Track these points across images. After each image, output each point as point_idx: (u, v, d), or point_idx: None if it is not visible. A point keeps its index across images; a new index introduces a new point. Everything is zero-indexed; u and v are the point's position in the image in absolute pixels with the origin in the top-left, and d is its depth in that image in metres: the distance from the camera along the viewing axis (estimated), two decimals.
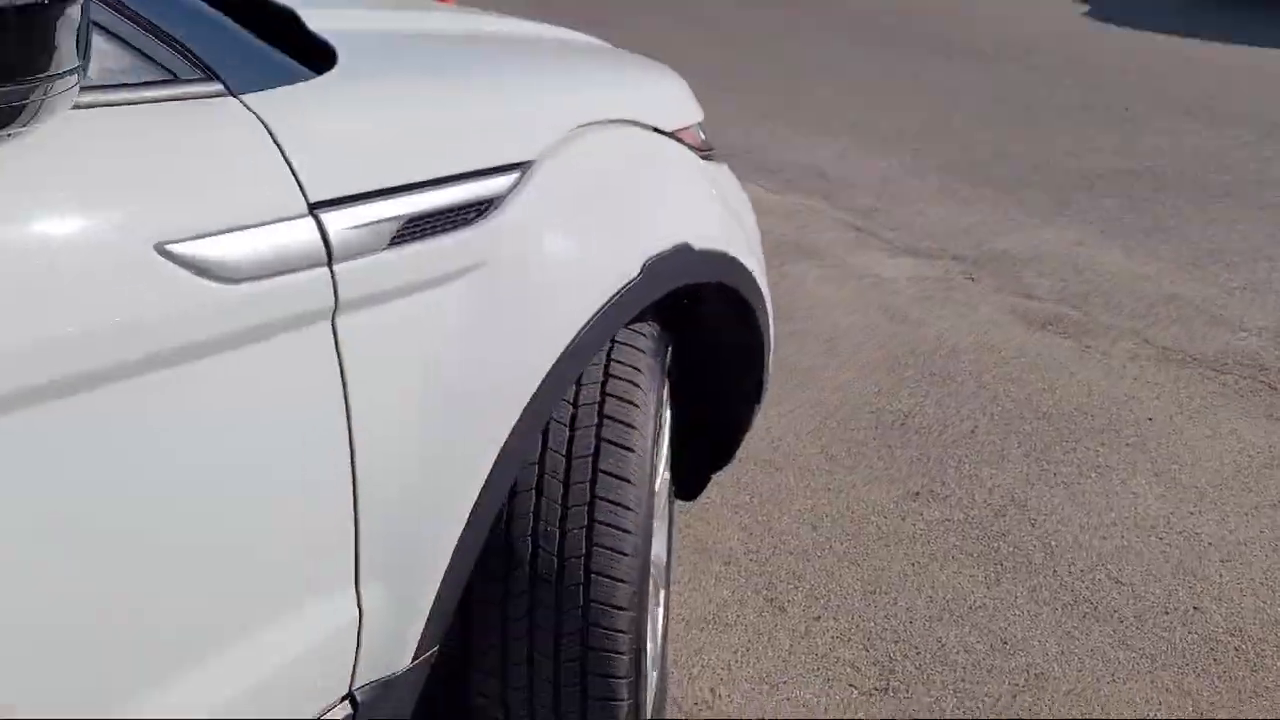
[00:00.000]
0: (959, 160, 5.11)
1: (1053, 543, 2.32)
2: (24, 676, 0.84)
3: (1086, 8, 9.04)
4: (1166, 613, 2.11)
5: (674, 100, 1.67)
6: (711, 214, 1.58)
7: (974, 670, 1.95)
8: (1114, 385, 3.01)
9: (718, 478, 2.06)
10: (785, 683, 1.91)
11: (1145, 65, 7.04)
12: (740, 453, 2.04)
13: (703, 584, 2.16)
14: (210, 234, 0.91)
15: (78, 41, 0.71)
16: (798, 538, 2.32)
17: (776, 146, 5.24)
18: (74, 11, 0.69)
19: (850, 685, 1.91)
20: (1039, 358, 3.17)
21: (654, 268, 1.39)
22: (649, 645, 1.47)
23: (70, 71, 0.71)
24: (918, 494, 2.49)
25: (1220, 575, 2.22)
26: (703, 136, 1.74)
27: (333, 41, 1.21)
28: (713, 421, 1.91)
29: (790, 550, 2.28)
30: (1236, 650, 2.01)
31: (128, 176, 0.88)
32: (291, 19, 1.26)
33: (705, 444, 1.94)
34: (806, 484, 2.52)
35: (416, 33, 1.47)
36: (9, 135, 0.71)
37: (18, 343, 0.80)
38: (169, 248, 0.88)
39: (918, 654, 1.99)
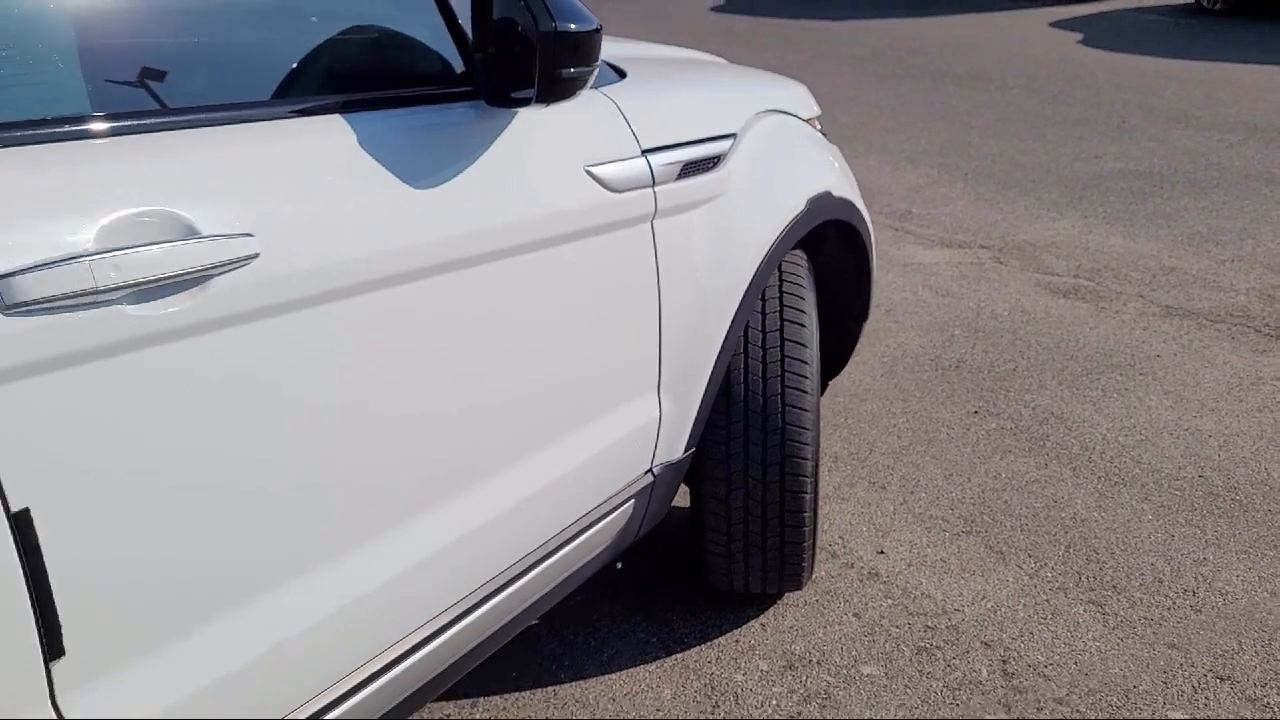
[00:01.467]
0: (979, 169, 5.81)
1: (1086, 440, 2.96)
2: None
3: (1080, 36, 9.81)
4: (1178, 479, 2.75)
5: (803, 99, 2.36)
6: (838, 173, 2.26)
7: (1034, 518, 2.59)
8: (1126, 334, 3.67)
9: (832, 384, 2.72)
10: (894, 530, 2.56)
11: (1137, 83, 7.77)
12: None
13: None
14: (606, 162, 1.59)
15: None
16: (886, 444, 2.97)
17: None
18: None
19: (943, 530, 2.56)
20: (1063, 317, 3.83)
21: (813, 204, 2.07)
22: None
23: (596, 66, 1.38)
24: (976, 412, 3.14)
25: (1219, 455, 2.87)
26: (819, 127, 2.43)
27: (613, 61, 1.90)
28: (830, 336, 2.58)
29: (882, 452, 2.93)
30: (1233, 499, 2.65)
31: (573, 127, 1.56)
32: None
33: (824, 353, 2.60)
34: (887, 409, 3.18)
35: (648, 57, 2.17)
36: (575, 97, 1.39)
37: (513, 219, 1.46)
38: (590, 169, 1.56)
39: (991, 510, 2.63)
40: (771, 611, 2.27)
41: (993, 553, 2.46)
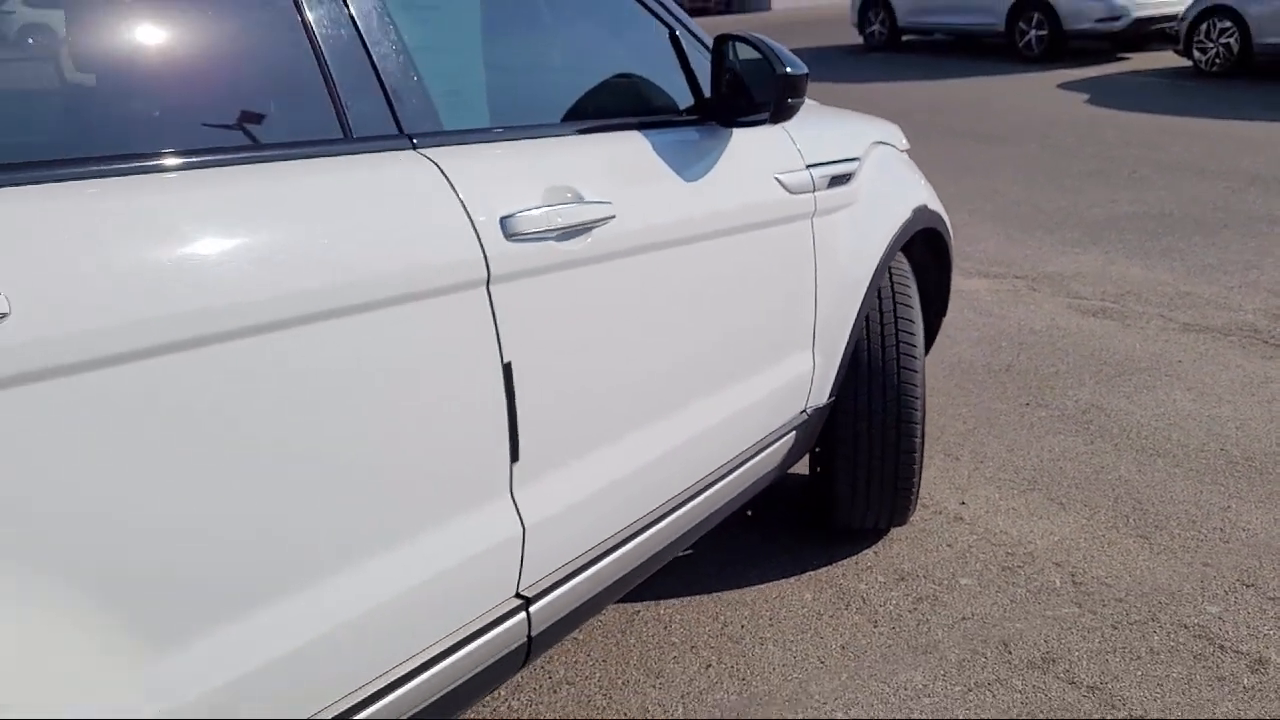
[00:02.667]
0: (1006, 213, 6.42)
1: (1125, 424, 3.51)
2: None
3: (1087, 96, 10.51)
4: (1203, 452, 3.30)
5: (898, 135, 2.95)
6: (929, 191, 2.85)
7: (1086, 479, 3.13)
8: (1150, 345, 4.24)
9: None
10: (970, 488, 3.10)
11: (1144, 138, 8.43)
12: None
13: None
14: (785, 172, 2.17)
15: None
16: (954, 427, 3.52)
17: None
18: None
19: (1011, 488, 3.10)
20: (1094, 332, 4.40)
21: (916, 213, 2.65)
22: None
23: (804, 99, 1.97)
24: (1028, 404, 3.70)
25: (1236, 434, 3.41)
26: (908, 157, 3.02)
27: None
28: None
29: (952, 433, 3.48)
30: (1249, 466, 3.20)
31: (764, 146, 2.14)
32: None
33: None
34: (952, 401, 3.73)
35: None
36: (786, 121, 1.97)
37: (735, 205, 2.03)
38: (777, 176, 2.14)
39: (1049, 475, 3.17)
40: (880, 543, 2.81)
41: (1054, 503, 3.00)
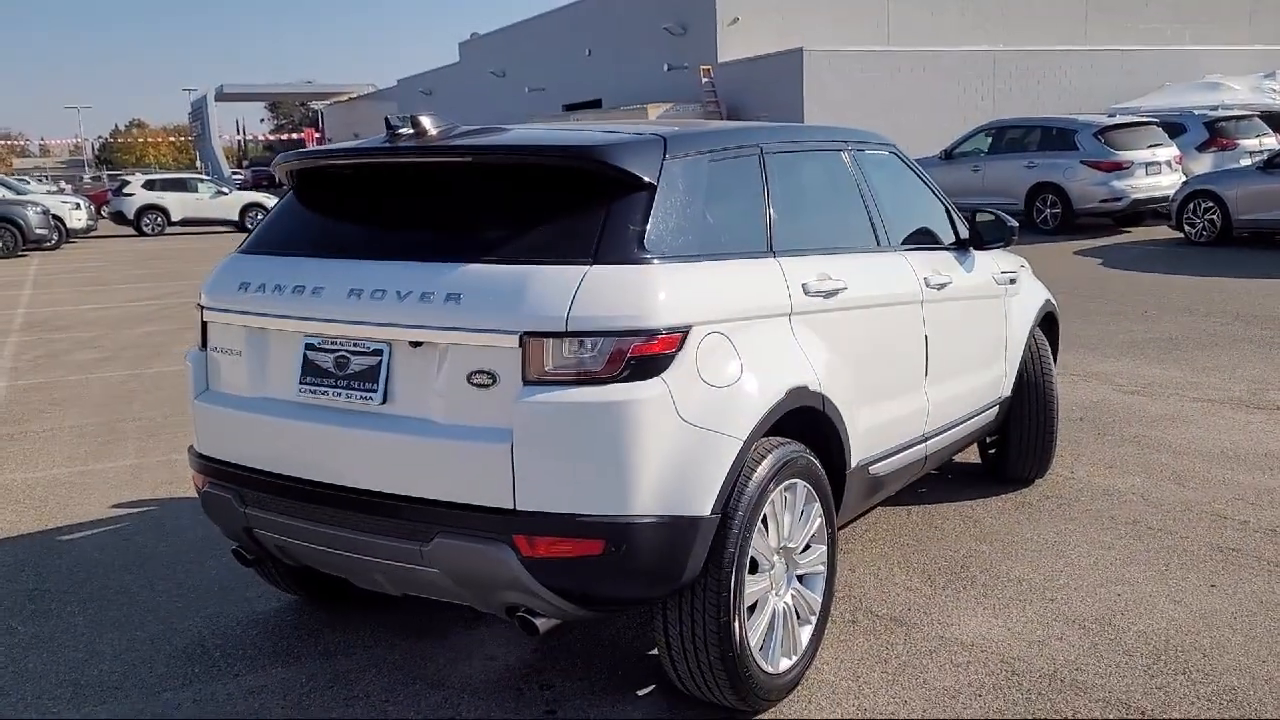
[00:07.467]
0: None
1: (1164, 444, 5.66)
2: None
3: (1100, 260, 13.00)
4: (1217, 453, 5.42)
5: (1026, 261, 5.22)
6: (1048, 292, 5.10)
7: (1144, 465, 5.26)
8: (1173, 408, 6.42)
9: None
10: (1075, 467, 5.22)
11: (1149, 290, 10.81)
12: None
13: None
14: (994, 273, 4.43)
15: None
16: (1060, 446, 5.68)
17: None
18: None
19: (1099, 468, 5.22)
20: (1134, 403, 6.59)
21: (1046, 302, 4.91)
22: None
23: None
24: (1099, 435, 5.85)
25: (1234, 447, 5.55)
26: None
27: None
28: None
29: (1057, 451, 5.64)
30: (1244, 459, 5.32)
31: (986, 261, 4.40)
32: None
33: None
34: None
35: None
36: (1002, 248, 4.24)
37: (977, 285, 4.28)
38: (992, 275, 4.40)
39: (1121, 463, 5.30)
40: (1030, 487, 4.92)
41: (1128, 474, 5.13)
